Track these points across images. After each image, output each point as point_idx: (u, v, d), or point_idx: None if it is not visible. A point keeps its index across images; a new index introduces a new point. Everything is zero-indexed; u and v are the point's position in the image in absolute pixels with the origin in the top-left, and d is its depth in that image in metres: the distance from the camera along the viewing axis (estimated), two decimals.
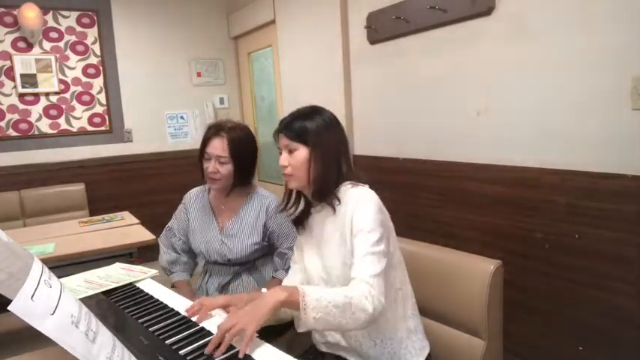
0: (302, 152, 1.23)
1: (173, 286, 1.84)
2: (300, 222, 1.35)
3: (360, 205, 1.17)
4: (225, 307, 1.22)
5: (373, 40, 2.62)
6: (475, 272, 1.26)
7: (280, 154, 1.28)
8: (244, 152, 1.69)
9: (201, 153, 1.71)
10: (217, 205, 1.80)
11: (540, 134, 1.83)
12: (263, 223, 1.73)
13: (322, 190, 1.23)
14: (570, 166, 1.73)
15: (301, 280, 1.35)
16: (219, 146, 1.65)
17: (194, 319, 1.16)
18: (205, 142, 1.70)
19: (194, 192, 1.88)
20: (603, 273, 1.65)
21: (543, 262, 1.84)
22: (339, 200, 1.21)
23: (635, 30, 1.51)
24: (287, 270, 1.52)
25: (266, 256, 1.81)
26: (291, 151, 1.24)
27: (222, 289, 1.76)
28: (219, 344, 0.97)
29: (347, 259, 1.17)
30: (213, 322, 1.14)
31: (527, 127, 1.87)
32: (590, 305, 1.70)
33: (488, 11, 1.96)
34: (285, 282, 1.41)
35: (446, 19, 2.14)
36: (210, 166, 1.67)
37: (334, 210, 1.22)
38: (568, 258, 1.76)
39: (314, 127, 1.24)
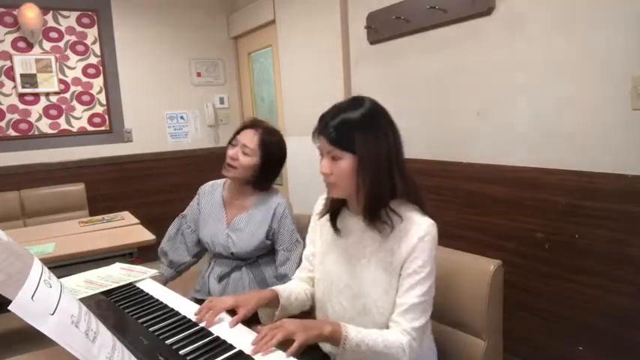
0: (347, 161, 1.08)
1: None
2: (334, 218, 1.22)
3: (422, 243, 1.08)
4: (233, 309, 1.16)
5: (373, 40, 2.62)
6: (475, 272, 1.26)
7: (321, 155, 1.13)
8: (270, 156, 1.70)
9: (231, 140, 1.73)
10: (229, 199, 1.82)
11: (540, 134, 1.83)
12: (269, 222, 1.75)
13: (373, 209, 1.09)
14: (570, 166, 1.73)
15: (309, 280, 1.33)
16: (249, 137, 1.68)
17: (203, 324, 1.11)
18: (239, 130, 1.73)
19: (209, 184, 1.91)
20: (603, 273, 1.65)
21: (543, 262, 1.84)
22: (391, 225, 1.09)
23: (635, 30, 1.51)
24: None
25: (269, 255, 1.82)
26: (334, 158, 1.09)
27: (221, 279, 1.77)
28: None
29: (390, 290, 1.11)
30: (220, 327, 1.11)
31: (527, 127, 1.87)
32: (590, 305, 1.70)
33: (488, 11, 1.96)
34: (297, 275, 1.39)
35: (446, 19, 2.14)
36: (232, 152, 1.68)
37: (380, 234, 1.10)
38: (568, 258, 1.76)
39: (362, 132, 1.07)
